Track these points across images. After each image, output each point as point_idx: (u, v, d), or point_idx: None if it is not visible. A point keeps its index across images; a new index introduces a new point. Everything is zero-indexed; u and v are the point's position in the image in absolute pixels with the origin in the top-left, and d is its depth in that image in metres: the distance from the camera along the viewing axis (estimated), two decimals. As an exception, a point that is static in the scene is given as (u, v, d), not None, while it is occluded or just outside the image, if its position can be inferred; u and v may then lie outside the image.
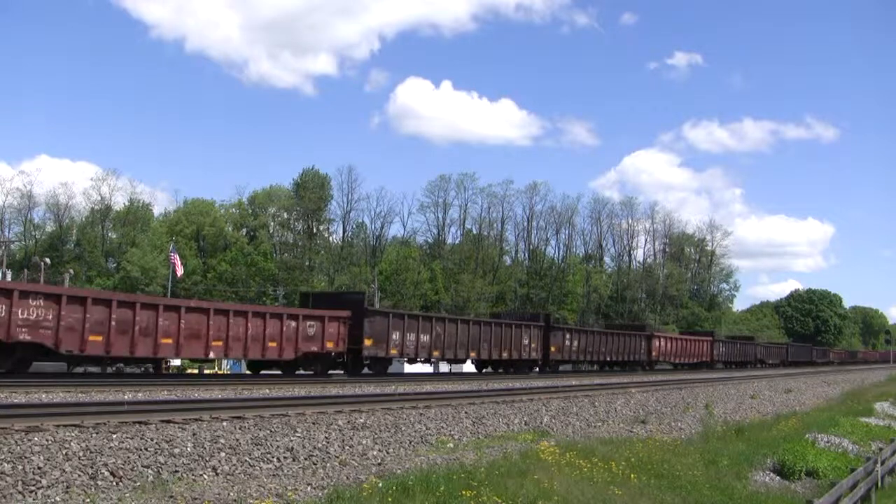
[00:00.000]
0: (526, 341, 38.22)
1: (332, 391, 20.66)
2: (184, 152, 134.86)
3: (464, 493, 9.83)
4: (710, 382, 36.41)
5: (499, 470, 11.39)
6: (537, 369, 39.94)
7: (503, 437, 15.79)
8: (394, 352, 30.60)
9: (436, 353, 32.96)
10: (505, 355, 36.56)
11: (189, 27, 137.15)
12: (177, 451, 10.46)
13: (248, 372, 30.97)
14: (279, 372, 28.56)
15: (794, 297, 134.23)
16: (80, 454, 9.56)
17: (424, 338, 31.87)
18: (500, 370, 38.04)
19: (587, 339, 44.20)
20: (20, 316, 19.46)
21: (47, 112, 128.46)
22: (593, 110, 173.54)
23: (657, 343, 52.14)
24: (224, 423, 12.42)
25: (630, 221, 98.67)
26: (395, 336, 30.26)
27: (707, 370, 55.87)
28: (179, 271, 54.65)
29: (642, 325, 62.07)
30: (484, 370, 38.61)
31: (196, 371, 39.54)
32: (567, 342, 41.87)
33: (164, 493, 8.84)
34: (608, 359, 46.22)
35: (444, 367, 40.75)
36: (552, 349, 40.50)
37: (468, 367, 40.46)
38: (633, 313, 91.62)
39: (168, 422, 11.95)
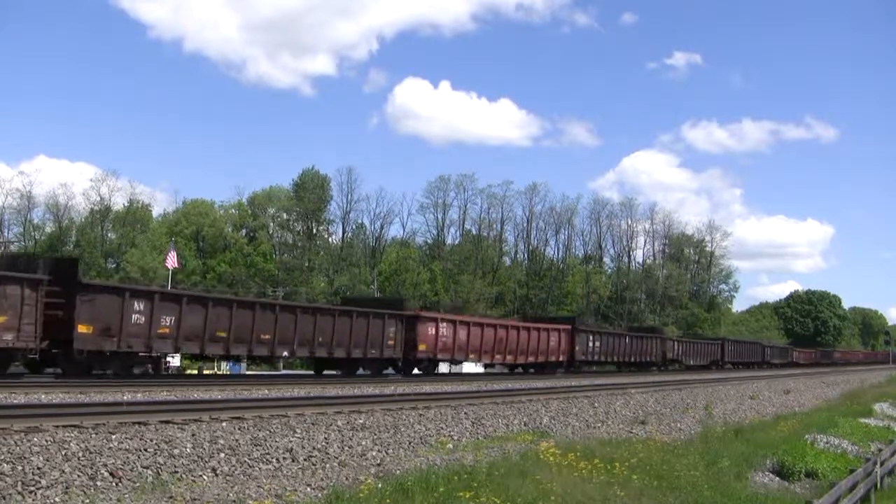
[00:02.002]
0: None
1: (331, 392, 20.67)
2: (183, 153, 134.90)
3: (463, 493, 9.83)
4: (709, 383, 36.43)
5: (498, 471, 11.39)
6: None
7: (503, 437, 15.79)
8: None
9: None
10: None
11: (187, 27, 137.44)
12: (176, 451, 10.46)
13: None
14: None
15: (794, 297, 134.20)
16: (80, 455, 9.56)
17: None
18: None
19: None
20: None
21: (45, 112, 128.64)
22: (593, 110, 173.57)
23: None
24: (223, 424, 12.42)
25: (629, 222, 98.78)
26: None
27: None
28: (170, 263, 54.28)
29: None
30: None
31: (195, 371, 39.52)
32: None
33: (164, 494, 8.84)
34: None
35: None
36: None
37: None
38: (633, 314, 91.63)
39: (167, 422, 11.94)
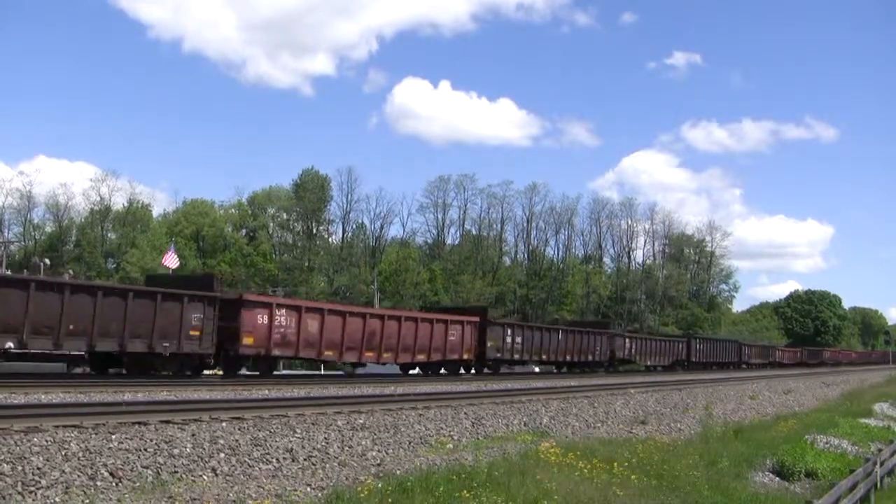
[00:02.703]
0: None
1: (331, 392, 20.68)
2: (183, 153, 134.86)
3: (463, 493, 9.83)
4: (709, 383, 36.46)
5: (498, 470, 11.40)
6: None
7: (503, 437, 15.80)
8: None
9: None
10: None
11: (186, 27, 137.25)
12: (176, 451, 10.46)
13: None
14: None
15: (794, 297, 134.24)
16: (80, 455, 9.57)
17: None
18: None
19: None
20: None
21: (45, 112, 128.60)
22: (593, 110, 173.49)
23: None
24: (223, 424, 12.42)
25: (629, 222, 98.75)
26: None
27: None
28: (168, 262, 54.42)
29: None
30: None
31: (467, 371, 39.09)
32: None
33: (164, 494, 8.84)
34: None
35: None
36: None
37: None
38: (633, 314, 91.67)
39: (167, 422, 11.95)
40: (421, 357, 33.14)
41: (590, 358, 45.79)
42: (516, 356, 39.58)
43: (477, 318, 36.57)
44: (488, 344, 36.65)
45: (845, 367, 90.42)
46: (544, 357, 42.38)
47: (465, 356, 35.39)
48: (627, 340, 51.02)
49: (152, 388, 19.08)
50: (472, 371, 37.14)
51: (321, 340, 28.24)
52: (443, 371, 35.28)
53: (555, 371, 44.82)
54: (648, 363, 54.14)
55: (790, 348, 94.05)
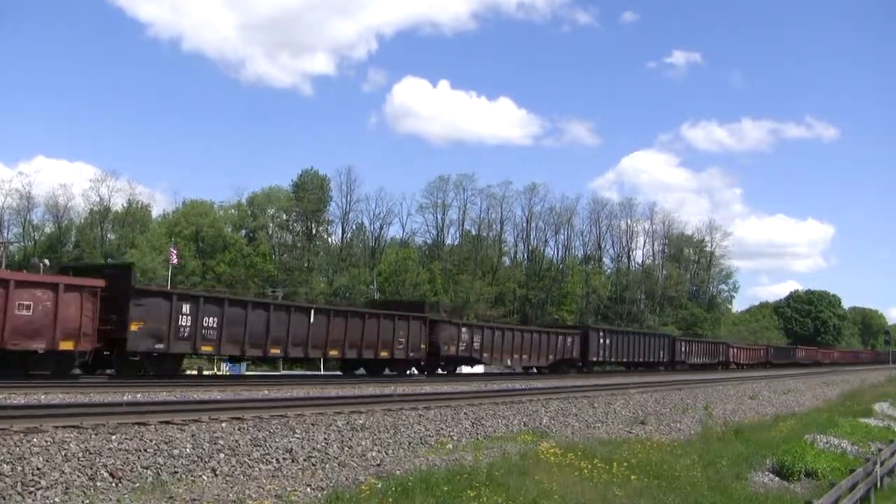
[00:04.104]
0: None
1: (331, 392, 20.67)
2: (182, 153, 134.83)
3: (464, 493, 9.83)
4: (709, 383, 36.47)
5: (498, 471, 11.39)
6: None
7: (502, 438, 15.80)
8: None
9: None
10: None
11: (185, 26, 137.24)
12: (176, 452, 10.46)
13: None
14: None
15: (794, 297, 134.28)
16: (80, 455, 9.56)
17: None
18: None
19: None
20: None
21: (43, 112, 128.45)
22: (593, 110, 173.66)
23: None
24: (223, 424, 12.42)
25: (629, 222, 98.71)
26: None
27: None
28: (174, 260, 55.21)
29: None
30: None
31: (195, 372, 39.51)
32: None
33: (164, 494, 8.84)
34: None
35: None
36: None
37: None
38: (632, 315, 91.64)
39: (167, 423, 11.95)
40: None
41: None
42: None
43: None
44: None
45: (824, 369, 77.85)
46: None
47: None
48: (464, 330, 36.13)
49: (152, 388, 19.08)
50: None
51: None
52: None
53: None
54: (508, 363, 39.78)
55: (751, 346, 79.76)
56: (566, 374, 42.36)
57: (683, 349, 58.99)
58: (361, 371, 33.84)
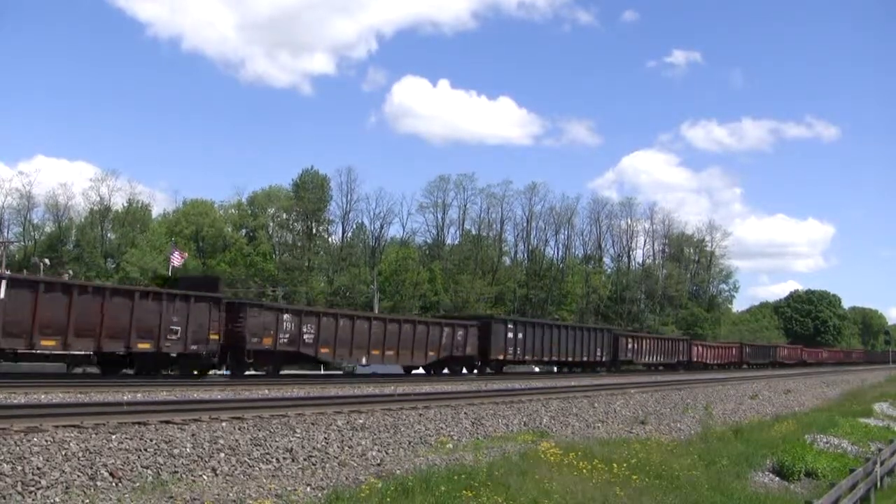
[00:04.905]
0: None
1: (331, 392, 20.68)
2: (182, 152, 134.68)
3: (464, 493, 9.83)
4: (709, 383, 36.46)
5: (498, 470, 11.39)
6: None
7: (502, 437, 15.80)
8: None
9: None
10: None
11: (185, 26, 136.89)
12: (176, 451, 10.46)
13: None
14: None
15: (794, 297, 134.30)
16: (80, 455, 9.56)
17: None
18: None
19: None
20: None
21: (43, 112, 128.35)
22: (594, 109, 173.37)
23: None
24: (223, 424, 12.42)
25: (629, 222, 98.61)
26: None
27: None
28: (175, 261, 55.20)
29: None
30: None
31: (195, 372, 39.41)
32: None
33: (164, 494, 8.85)
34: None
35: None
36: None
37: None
38: (632, 314, 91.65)
39: (167, 422, 11.95)
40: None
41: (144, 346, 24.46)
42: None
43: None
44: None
45: (824, 369, 74.03)
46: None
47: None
48: (286, 317, 28.08)
49: (152, 388, 19.09)
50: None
51: None
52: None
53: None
54: (363, 361, 32.09)
55: (720, 344, 69.66)
56: (459, 376, 35.33)
57: (630, 346, 50.82)
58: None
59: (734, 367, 65.35)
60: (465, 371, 37.16)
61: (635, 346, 51.79)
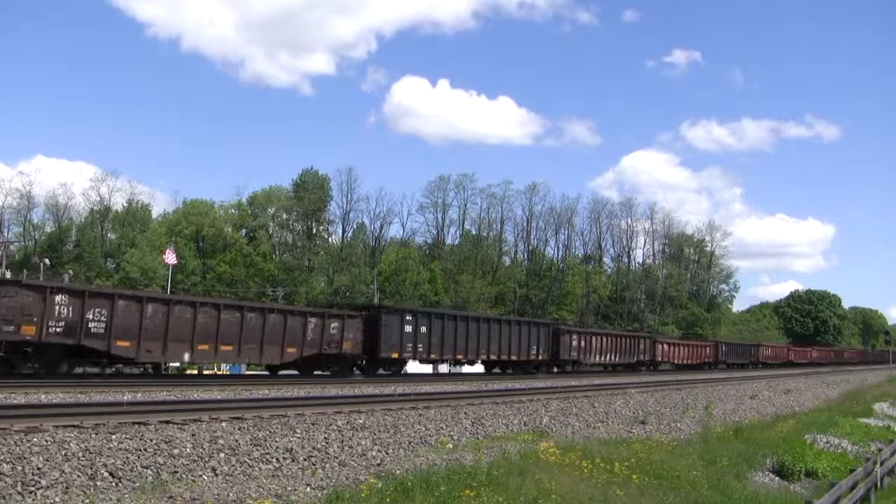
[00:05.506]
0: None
1: (331, 392, 20.68)
2: (182, 152, 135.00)
3: (464, 493, 9.83)
4: (709, 383, 36.44)
5: (498, 470, 11.39)
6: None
7: (503, 437, 15.79)
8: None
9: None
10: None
11: (184, 26, 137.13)
12: (176, 451, 10.45)
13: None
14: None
15: (794, 297, 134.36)
16: (80, 455, 9.56)
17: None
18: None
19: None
20: None
21: (43, 112, 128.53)
22: (594, 109, 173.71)
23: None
24: (223, 424, 12.42)
25: (629, 222, 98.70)
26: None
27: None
28: (170, 259, 55.38)
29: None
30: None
31: (195, 372, 39.50)
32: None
33: (164, 494, 8.84)
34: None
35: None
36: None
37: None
38: (633, 314, 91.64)
39: (167, 422, 11.94)
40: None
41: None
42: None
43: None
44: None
45: (824, 369, 71.06)
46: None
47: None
48: (60, 298, 21.63)
49: (152, 388, 19.09)
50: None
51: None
52: None
53: None
54: (186, 357, 25.73)
55: (692, 342, 63.81)
56: (338, 378, 28.93)
57: (575, 344, 44.41)
58: None
59: (709, 367, 59.00)
60: (357, 373, 31.44)
61: (582, 343, 45.24)
